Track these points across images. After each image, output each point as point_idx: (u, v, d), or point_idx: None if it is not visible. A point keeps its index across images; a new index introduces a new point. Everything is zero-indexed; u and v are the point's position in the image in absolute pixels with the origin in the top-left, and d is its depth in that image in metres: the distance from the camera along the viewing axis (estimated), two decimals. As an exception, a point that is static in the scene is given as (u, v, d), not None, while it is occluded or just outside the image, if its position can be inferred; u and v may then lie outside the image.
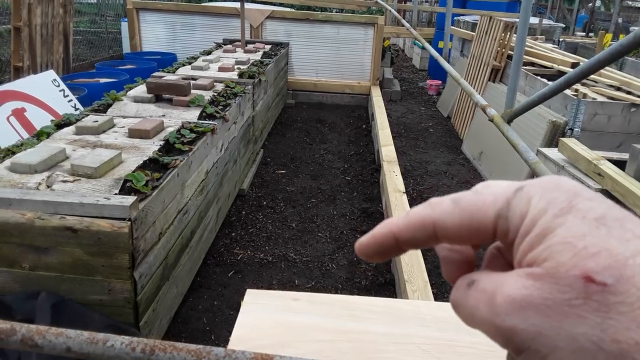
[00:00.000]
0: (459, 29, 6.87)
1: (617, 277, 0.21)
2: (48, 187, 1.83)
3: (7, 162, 1.97)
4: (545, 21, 7.73)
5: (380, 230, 0.28)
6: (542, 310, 0.22)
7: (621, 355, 0.21)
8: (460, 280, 0.26)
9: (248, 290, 0.66)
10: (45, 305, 1.74)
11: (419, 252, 2.48)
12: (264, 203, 3.62)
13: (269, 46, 5.63)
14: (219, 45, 5.54)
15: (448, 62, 5.76)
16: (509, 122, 1.82)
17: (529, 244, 0.24)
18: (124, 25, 7.18)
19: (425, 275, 2.29)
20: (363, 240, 0.29)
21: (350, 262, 2.95)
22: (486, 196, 0.26)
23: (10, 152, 2.09)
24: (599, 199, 0.24)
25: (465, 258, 0.28)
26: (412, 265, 2.36)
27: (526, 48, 5.05)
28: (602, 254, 0.22)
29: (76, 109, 3.47)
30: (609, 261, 0.22)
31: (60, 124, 2.46)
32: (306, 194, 3.80)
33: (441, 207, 0.26)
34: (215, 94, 3.21)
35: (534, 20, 7.30)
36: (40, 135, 2.30)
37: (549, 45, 5.67)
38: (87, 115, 2.61)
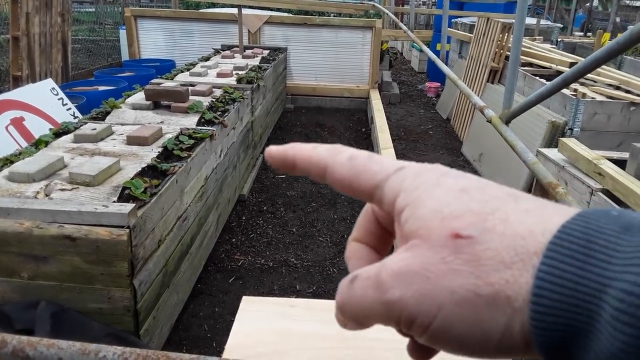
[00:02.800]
0: (456, 31, 6.88)
1: (481, 229, 0.24)
2: (46, 195, 1.82)
3: (5, 171, 1.96)
4: (542, 21, 7.74)
5: (289, 150, 0.32)
6: (422, 274, 0.24)
7: (496, 294, 0.23)
8: (343, 281, 0.28)
9: (244, 298, 0.65)
10: (45, 315, 1.73)
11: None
12: (264, 208, 3.61)
13: (267, 51, 5.63)
14: (217, 52, 5.54)
15: (446, 64, 5.76)
16: (507, 122, 1.82)
17: (404, 219, 0.26)
18: (123, 33, 7.20)
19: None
20: (273, 150, 0.33)
21: (352, 266, 2.94)
22: (374, 164, 0.29)
23: (9, 161, 2.08)
24: (465, 175, 0.27)
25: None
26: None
27: (524, 49, 5.05)
28: (466, 215, 0.24)
29: (75, 117, 3.47)
30: (473, 219, 0.24)
31: (58, 133, 2.46)
32: (306, 199, 3.79)
33: (338, 157, 0.30)
34: (214, 100, 3.21)
35: (531, 20, 7.31)
36: (39, 144, 2.29)
37: (547, 46, 5.67)
38: (86, 123, 2.61)
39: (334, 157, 0.30)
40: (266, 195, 3.81)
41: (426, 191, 0.26)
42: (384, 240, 0.32)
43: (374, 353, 0.55)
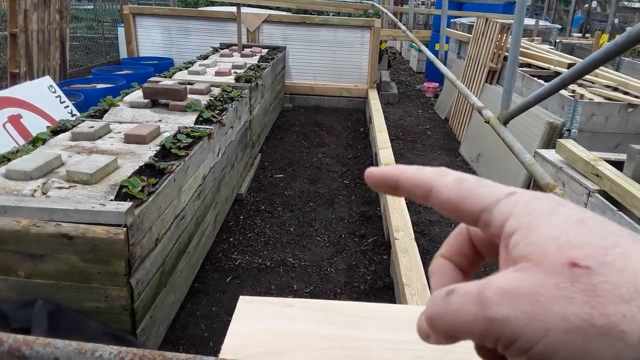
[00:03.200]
0: (455, 31, 6.89)
1: (600, 262, 0.23)
2: (43, 193, 1.82)
3: (3, 169, 1.95)
4: (541, 22, 7.75)
5: (391, 171, 0.32)
6: (532, 296, 0.23)
7: (610, 327, 0.22)
8: (436, 294, 0.27)
9: (241, 297, 0.65)
10: (42, 313, 1.73)
11: (417, 257, 2.47)
12: (262, 207, 3.61)
13: (266, 50, 5.63)
14: (215, 50, 5.54)
15: (445, 64, 5.76)
16: (505, 123, 1.82)
17: (515, 242, 0.26)
18: (121, 31, 7.19)
19: (424, 279, 2.28)
20: (374, 170, 0.33)
21: (349, 266, 2.94)
22: (483, 187, 0.29)
23: (6, 158, 2.08)
24: (581, 208, 0.26)
25: (457, 273, 0.31)
26: (410, 269, 2.35)
27: (523, 49, 5.06)
28: (584, 245, 0.24)
29: (72, 115, 3.46)
30: (592, 250, 0.24)
31: (56, 130, 2.45)
32: (304, 198, 3.79)
33: (445, 179, 0.30)
34: (212, 99, 3.20)
35: (530, 21, 7.32)
36: (36, 142, 2.29)
37: (546, 47, 5.68)
38: (83, 121, 2.60)
39: (440, 178, 0.30)
40: (264, 195, 3.81)
41: (541, 217, 0.26)
42: (473, 263, 0.33)
43: (373, 353, 0.55)
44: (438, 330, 0.27)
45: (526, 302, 0.23)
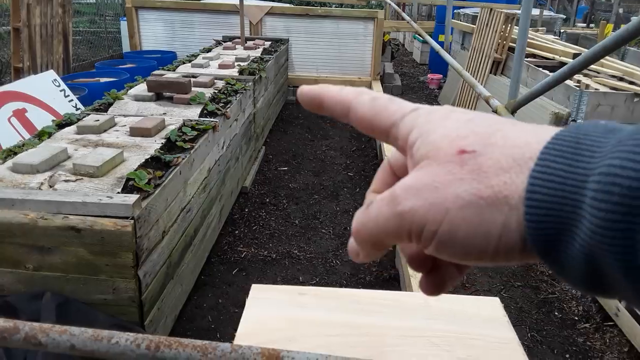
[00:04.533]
0: (459, 22, 6.84)
1: (483, 144, 0.26)
2: (50, 187, 1.82)
3: (9, 162, 1.96)
4: (545, 12, 7.69)
5: (318, 89, 0.34)
6: (431, 185, 0.27)
7: (495, 195, 0.25)
8: (358, 211, 0.31)
9: (253, 286, 0.65)
10: (50, 305, 1.74)
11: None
12: (267, 200, 3.61)
13: (269, 42, 5.61)
14: (218, 43, 5.52)
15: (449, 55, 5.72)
16: (513, 112, 1.81)
17: (416, 148, 0.29)
18: (124, 24, 7.17)
19: (429, 269, 2.28)
20: (305, 89, 0.35)
21: (354, 257, 2.95)
22: (393, 105, 0.32)
23: (12, 152, 2.08)
24: (471, 111, 0.30)
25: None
26: (416, 260, 2.35)
27: (527, 40, 5.03)
28: (471, 135, 0.27)
29: (77, 109, 3.46)
30: (477, 137, 0.27)
31: (61, 124, 2.45)
32: (309, 191, 3.79)
33: (362, 98, 0.32)
34: (216, 92, 3.20)
35: (534, 11, 7.26)
36: (42, 135, 2.29)
37: (550, 37, 5.64)
38: (88, 114, 2.61)
39: (358, 97, 0.33)
40: (268, 188, 3.81)
41: (437, 122, 0.29)
42: None
43: (385, 340, 0.55)
44: (363, 240, 0.30)
45: (427, 191, 0.26)
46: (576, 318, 2.47)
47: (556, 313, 2.50)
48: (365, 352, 0.51)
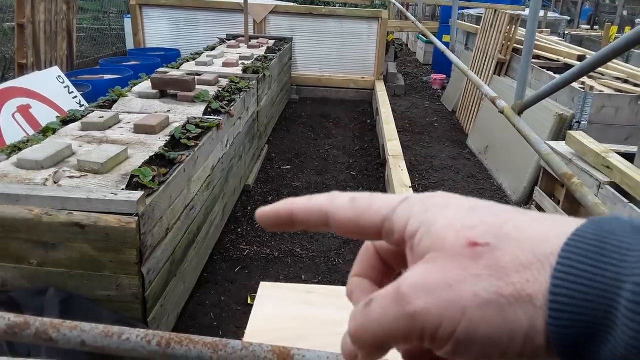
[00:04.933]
0: (463, 22, 6.83)
1: (496, 236, 0.25)
2: (55, 183, 1.83)
3: (14, 158, 1.97)
4: (550, 14, 7.67)
5: (283, 206, 0.32)
6: (444, 281, 0.24)
7: (518, 294, 0.23)
8: (356, 308, 0.27)
9: (262, 284, 0.65)
10: (54, 301, 1.74)
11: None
12: (270, 199, 3.61)
13: (273, 41, 5.61)
14: (222, 41, 5.52)
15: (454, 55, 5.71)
16: (520, 113, 1.80)
17: (418, 240, 0.27)
18: (127, 22, 7.17)
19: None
20: (265, 210, 0.32)
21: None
22: (377, 201, 0.29)
23: (17, 148, 2.09)
24: (470, 198, 0.28)
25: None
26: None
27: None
28: (479, 225, 0.26)
29: (81, 106, 3.46)
30: (486, 227, 0.25)
31: (66, 120, 2.46)
32: (312, 190, 3.79)
33: (339, 201, 0.30)
34: (220, 90, 3.20)
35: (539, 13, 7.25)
36: (46, 132, 2.29)
37: (555, 38, 5.63)
38: (93, 111, 2.61)
39: (334, 202, 0.30)
40: (271, 186, 3.82)
41: (436, 212, 0.27)
42: (386, 274, 0.33)
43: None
44: (365, 344, 0.26)
45: (440, 289, 0.24)
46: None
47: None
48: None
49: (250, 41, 5.26)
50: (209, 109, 2.84)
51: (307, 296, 0.63)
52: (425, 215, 0.27)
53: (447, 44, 6.93)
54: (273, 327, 0.57)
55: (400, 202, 0.29)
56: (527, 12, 6.86)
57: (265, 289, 0.64)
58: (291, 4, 7.24)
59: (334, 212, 0.30)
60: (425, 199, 0.28)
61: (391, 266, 0.33)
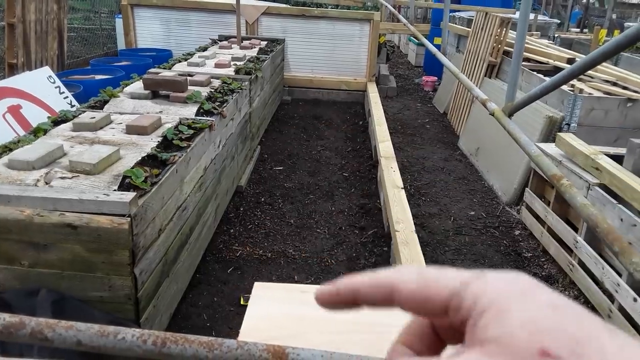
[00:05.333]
0: (454, 25, 6.88)
1: (573, 352, 0.22)
2: (46, 183, 1.82)
3: (5, 158, 1.95)
4: (540, 17, 7.74)
5: (343, 284, 0.30)
6: None
7: None
8: None
9: (256, 284, 0.66)
10: (46, 303, 1.73)
11: (418, 249, 2.48)
12: (262, 199, 3.61)
13: (265, 42, 5.61)
14: (214, 42, 5.51)
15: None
16: (510, 115, 1.82)
17: (484, 323, 0.25)
18: (119, 22, 7.14)
19: (424, 270, 2.29)
20: (324, 289, 0.31)
21: (349, 258, 2.96)
22: (447, 274, 0.28)
23: (8, 149, 2.07)
24: (554, 292, 0.26)
25: None
26: (411, 261, 2.37)
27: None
28: (558, 334, 0.23)
29: (72, 106, 3.44)
30: (565, 339, 0.23)
31: (57, 121, 2.44)
32: (304, 191, 3.80)
33: (405, 274, 0.29)
34: (212, 90, 3.20)
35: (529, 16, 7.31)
36: (37, 132, 2.28)
37: (545, 41, 5.69)
38: (84, 111, 2.60)
39: (401, 275, 0.29)
40: (264, 187, 3.82)
41: (512, 300, 0.25)
42: (434, 348, 0.32)
43: (389, 337, 0.56)
44: None
45: None
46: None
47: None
48: (369, 349, 0.52)
49: (242, 42, 5.25)
50: (201, 110, 2.83)
51: (301, 296, 0.63)
52: (497, 300, 0.25)
53: (438, 47, 6.97)
54: (267, 326, 0.58)
55: (475, 278, 0.27)
56: (517, 15, 6.93)
57: (259, 288, 0.65)
58: (283, 5, 7.24)
59: (401, 286, 0.29)
60: (504, 281, 0.26)
61: (442, 340, 0.31)
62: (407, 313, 0.29)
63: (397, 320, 0.63)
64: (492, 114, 1.89)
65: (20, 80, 3.31)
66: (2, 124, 2.99)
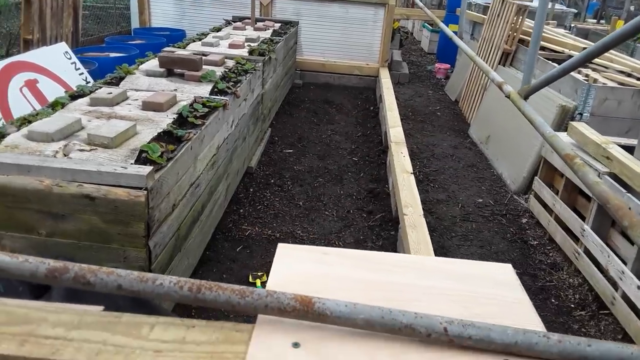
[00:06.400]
0: (470, 12, 6.81)
1: None
2: (65, 155, 1.86)
3: (24, 130, 1.99)
4: (557, 6, 7.65)
5: None
6: None
7: None
8: None
9: (279, 245, 0.69)
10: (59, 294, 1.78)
11: (426, 232, 2.51)
12: (272, 181, 3.65)
13: (279, 24, 5.60)
14: (228, 23, 5.51)
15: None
16: (526, 98, 1.83)
17: None
18: (133, 1, 7.13)
19: (432, 254, 2.32)
20: None
21: (357, 240, 2.99)
22: None
23: (27, 120, 2.11)
24: None
25: None
26: (419, 244, 2.40)
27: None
28: None
29: (87, 82, 3.48)
30: None
31: (74, 95, 2.48)
32: (313, 174, 3.82)
33: None
34: (226, 70, 3.22)
35: (545, 5, 7.22)
36: (55, 106, 2.32)
37: (561, 30, 5.63)
38: (101, 87, 2.63)
39: None
40: (274, 169, 3.85)
41: None
42: None
43: (405, 295, 0.59)
44: None
45: None
46: (572, 306, 2.52)
47: (553, 300, 2.55)
48: (387, 304, 0.55)
49: (256, 24, 5.25)
50: (216, 89, 2.86)
51: (323, 257, 0.66)
52: None
53: (456, 33, 6.91)
54: (292, 282, 0.61)
55: None
56: (534, 3, 6.83)
57: (283, 249, 0.68)
58: (297, -13, 7.18)
59: None
60: None
61: None
62: None
63: (413, 280, 0.66)
64: (508, 96, 1.90)
65: (37, 55, 3.35)
66: (19, 97, 3.03)
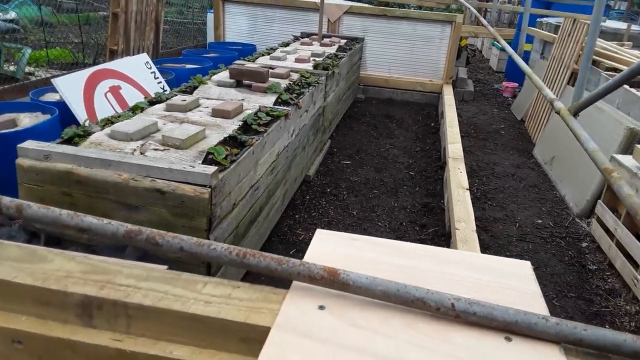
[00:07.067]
0: (540, 31, 6.67)
1: None
2: (141, 153, 2.06)
3: (108, 129, 2.23)
4: (634, 27, 7.30)
5: None
6: None
7: None
8: None
9: (318, 230, 0.79)
10: (131, 258, 1.97)
11: (477, 248, 2.51)
12: (328, 190, 3.76)
13: (345, 40, 5.76)
14: (296, 38, 5.74)
15: (526, 63, 5.62)
16: (575, 115, 1.83)
17: None
18: (210, 16, 7.59)
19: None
20: None
21: (408, 252, 3.03)
22: None
23: (110, 122, 2.36)
24: None
25: None
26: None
27: (610, 53, 4.84)
28: None
29: (164, 90, 3.77)
30: None
31: (152, 101, 2.72)
32: (369, 185, 3.90)
33: None
34: (291, 83, 3.38)
35: (621, 25, 6.93)
36: (135, 109, 2.56)
37: (637, 52, 5.39)
38: (176, 95, 2.87)
39: None
40: (330, 179, 3.96)
41: None
42: None
43: (424, 278, 0.67)
44: None
45: None
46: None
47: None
48: (407, 283, 0.63)
49: (323, 39, 5.43)
50: (279, 100, 3.02)
51: (353, 242, 0.75)
52: None
53: (528, 53, 6.78)
54: (324, 260, 0.70)
55: None
56: (607, 23, 6.58)
57: (320, 234, 0.78)
58: (366, 5, 7.36)
59: None
60: None
61: None
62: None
63: (432, 266, 0.73)
64: (558, 112, 1.90)
65: (121, 64, 3.68)
66: (103, 101, 3.35)
